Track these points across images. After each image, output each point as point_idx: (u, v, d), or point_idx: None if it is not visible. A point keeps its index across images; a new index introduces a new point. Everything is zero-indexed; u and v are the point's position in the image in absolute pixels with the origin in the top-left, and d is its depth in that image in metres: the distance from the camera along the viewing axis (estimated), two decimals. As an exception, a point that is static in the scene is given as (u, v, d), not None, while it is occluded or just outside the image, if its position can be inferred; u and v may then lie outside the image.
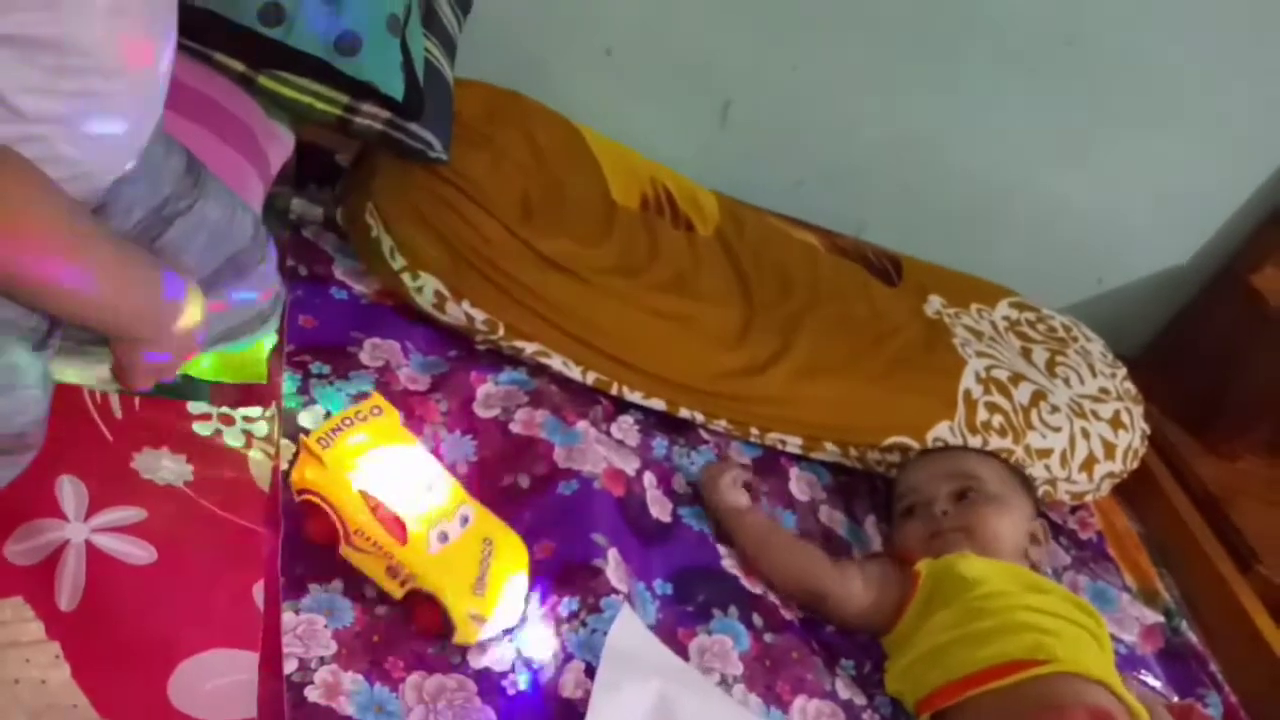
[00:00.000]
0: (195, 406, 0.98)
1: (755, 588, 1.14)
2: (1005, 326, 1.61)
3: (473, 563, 0.93)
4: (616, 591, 0.98)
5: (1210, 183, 1.74)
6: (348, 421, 0.96)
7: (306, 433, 1.03)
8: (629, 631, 0.95)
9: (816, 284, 1.46)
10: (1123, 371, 1.62)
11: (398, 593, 0.92)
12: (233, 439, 0.98)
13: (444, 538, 0.93)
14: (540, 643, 0.94)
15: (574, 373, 1.24)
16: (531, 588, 0.98)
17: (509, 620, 0.95)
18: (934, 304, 1.58)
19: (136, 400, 0.96)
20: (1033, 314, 1.67)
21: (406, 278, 1.20)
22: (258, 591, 0.87)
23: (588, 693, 0.89)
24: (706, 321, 1.30)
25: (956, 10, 1.57)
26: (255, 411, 1.01)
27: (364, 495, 0.92)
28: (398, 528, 0.91)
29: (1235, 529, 1.58)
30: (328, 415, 1.06)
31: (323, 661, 0.86)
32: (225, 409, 0.99)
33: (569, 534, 1.03)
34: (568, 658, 0.92)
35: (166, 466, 0.92)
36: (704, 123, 1.61)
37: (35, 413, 0.74)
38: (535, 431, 1.14)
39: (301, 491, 0.94)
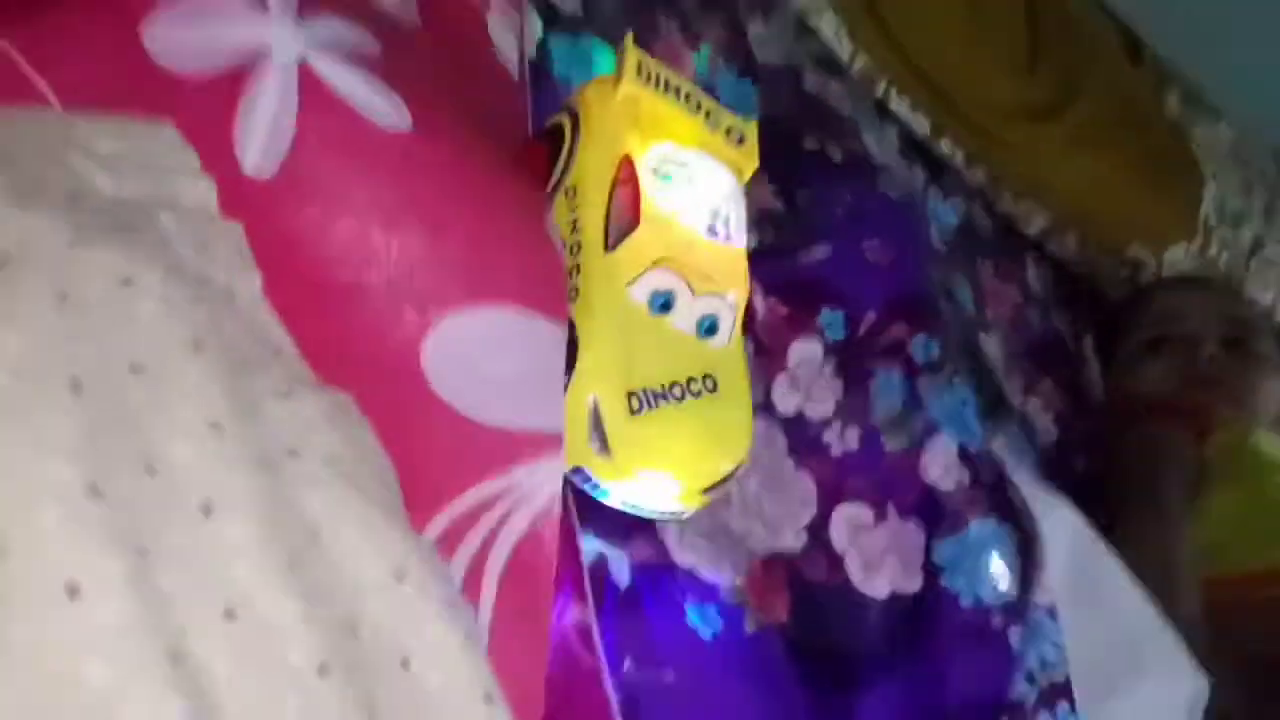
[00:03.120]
0: (420, -94, 0.59)
1: (1014, 397, 0.88)
2: (1227, 152, 1.35)
3: (665, 370, 0.51)
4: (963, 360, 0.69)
5: None
6: (692, 100, 0.56)
7: (551, 9, 0.65)
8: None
9: (1089, 32, 1.15)
10: (1317, 241, 1.41)
11: None
12: (470, -22, 0.60)
13: (664, 305, 0.52)
14: (884, 388, 0.64)
15: (843, 48, 0.89)
16: (863, 305, 0.67)
17: (628, 501, 0.51)
18: (1173, 101, 1.29)
19: None
20: (1249, 146, 1.41)
21: None
22: (553, 226, 0.52)
23: (961, 486, 0.61)
24: (1001, 30, 0.98)
25: None
26: (496, -52, 0.62)
27: (625, 162, 0.53)
28: (623, 221, 0.52)
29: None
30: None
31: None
32: (460, -73, 0.61)
33: (911, 248, 0.71)
34: (931, 428, 0.62)
35: (384, -14, 0.54)
36: None
37: None
38: (833, 101, 0.79)
39: (563, 110, 0.57)
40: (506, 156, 0.53)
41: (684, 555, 0.52)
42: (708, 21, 0.76)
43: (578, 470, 0.49)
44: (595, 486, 0.50)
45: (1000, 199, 1.02)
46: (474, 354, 0.46)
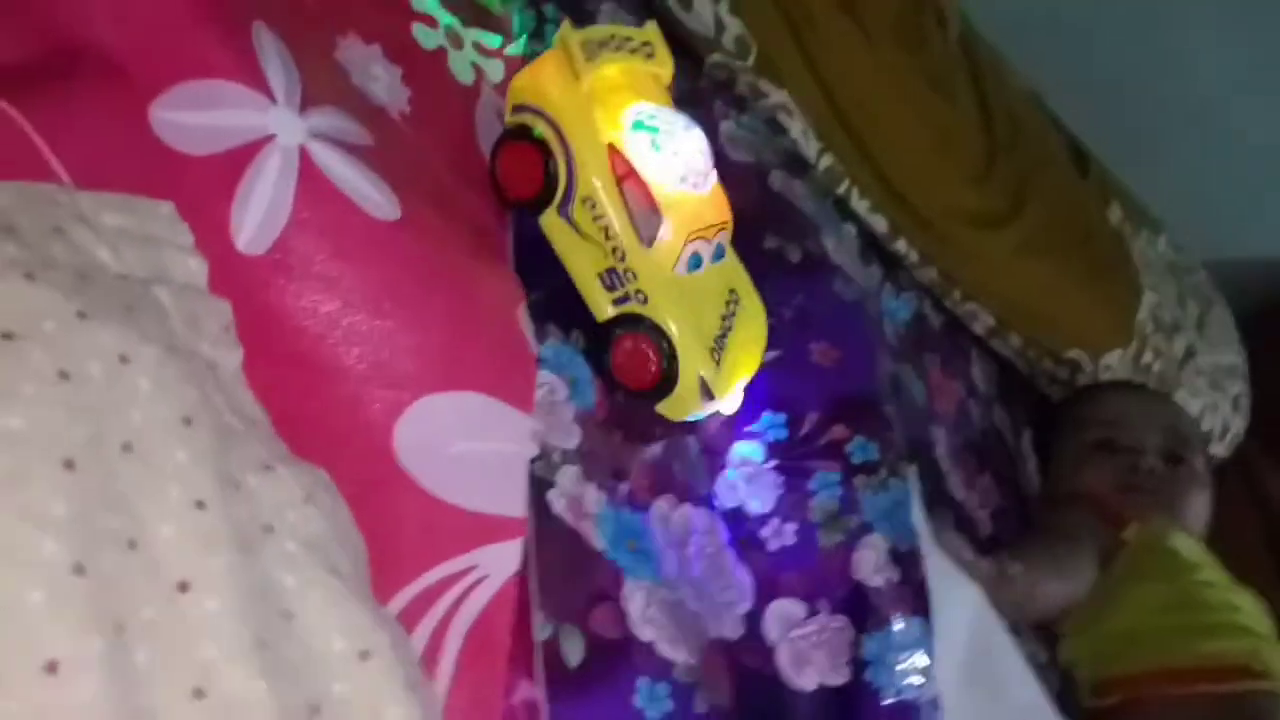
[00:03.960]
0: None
1: (957, 491, 0.91)
2: (1165, 265, 1.42)
3: (715, 313, 0.63)
4: (905, 457, 0.71)
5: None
6: (617, 43, 0.62)
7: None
8: (920, 514, 0.69)
9: (1040, 144, 1.20)
10: (1245, 353, 1.47)
11: (604, 313, 0.61)
12: (460, 69, 0.63)
13: (696, 263, 0.62)
14: (822, 486, 0.67)
15: (809, 149, 0.92)
16: (804, 407, 0.70)
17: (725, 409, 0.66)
18: (1115, 213, 1.35)
19: (340, -48, 0.59)
20: (1184, 260, 1.48)
21: (656, -64, 0.84)
22: (525, 319, 0.55)
23: (890, 584, 0.63)
24: (960, 142, 1.03)
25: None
26: (491, 40, 0.65)
27: (613, 153, 0.59)
28: (648, 216, 0.59)
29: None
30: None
31: (565, 457, 0.56)
32: (456, 21, 0.63)
33: (857, 349, 0.74)
34: (865, 528, 0.65)
35: (378, 77, 0.57)
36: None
37: None
38: (797, 201, 0.83)
39: (522, 108, 0.61)
40: (484, 245, 0.56)
41: (645, 629, 0.54)
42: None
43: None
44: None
45: (949, 297, 1.07)
46: (444, 436, 0.48)
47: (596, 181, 0.58)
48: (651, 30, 0.65)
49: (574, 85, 0.59)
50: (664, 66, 0.65)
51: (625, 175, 0.59)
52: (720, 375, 0.61)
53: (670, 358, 0.59)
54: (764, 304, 0.67)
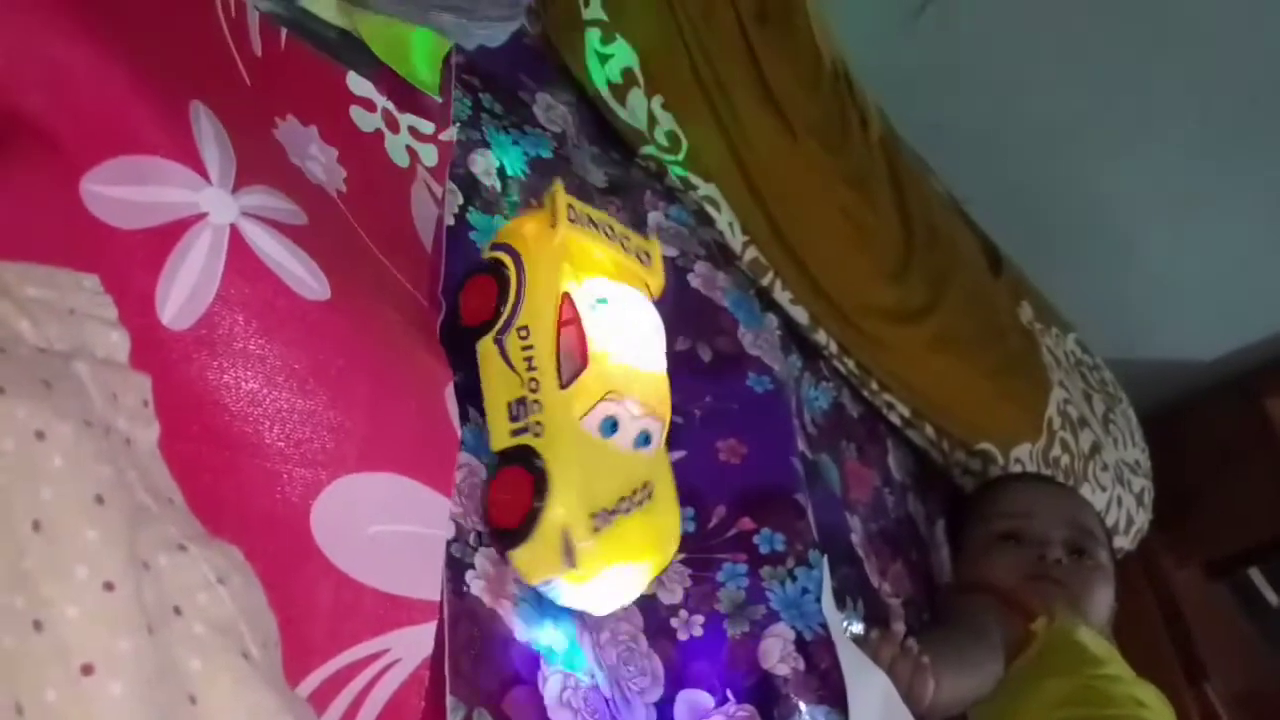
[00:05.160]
0: (357, 84, 0.63)
1: (873, 578, 0.93)
2: (1072, 363, 1.48)
3: (616, 487, 0.58)
4: (817, 545, 0.73)
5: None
6: (610, 230, 0.63)
7: (473, 182, 0.70)
8: (830, 602, 0.70)
9: (955, 244, 1.25)
10: (1148, 450, 1.53)
11: (500, 442, 0.58)
12: (396, 152, 0.64)
13: (611, 428, 0.59)
14: (729, 578, 0.68)
15: (735, 241, 0.95)
16: (712, 501, 0.71)
17: (591, 606, 0.60)
18: (1026, 312, 1.41)
19: (282, 35, 0.60)
20: (1090, 359, 1.54)
21: (594, 36, 0.87)
22: (451, 400, 0.55)
23: (796, 672, 0.64)
24: (879, 240, 1.07)
25: (1160, 29, 1.41)
26: (426, 126, 0.67)
27: (566, 300, 0.60)
28: (573, 360, 0.58)
29: (1190, 638, 1.53)
30: (500, 170, 0.73)
31: (482, 539, 0.56)
32: (391, 104, 0.65)
33: (766, 444, 0.76)
34: (771, 617, 0.66)
35: (315, 157, 0.58)
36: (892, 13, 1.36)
37: None
38: (717, 297, 0.85)
39: (500, 247, 0.62)
40: (414, 326, 0.56)
41: (561, 714, 0.54)
42: (611, 209, 0.82)
43: (546, 581, 0.57)
44: (555, 591, 0.57)
45: (867, 387, 1.10)
46: (362, 517, 0.48)
47: (538, 312, 0.59)
48: (654, 243, 0.66)
49: (549, 232, 0.60)
50: (654, 278, 0.65)
51: (568, 322, 0.59)
52: (593, 550, 0.55)
53: (541, 497, 0.55)
54: (679, 508, 0.63)
